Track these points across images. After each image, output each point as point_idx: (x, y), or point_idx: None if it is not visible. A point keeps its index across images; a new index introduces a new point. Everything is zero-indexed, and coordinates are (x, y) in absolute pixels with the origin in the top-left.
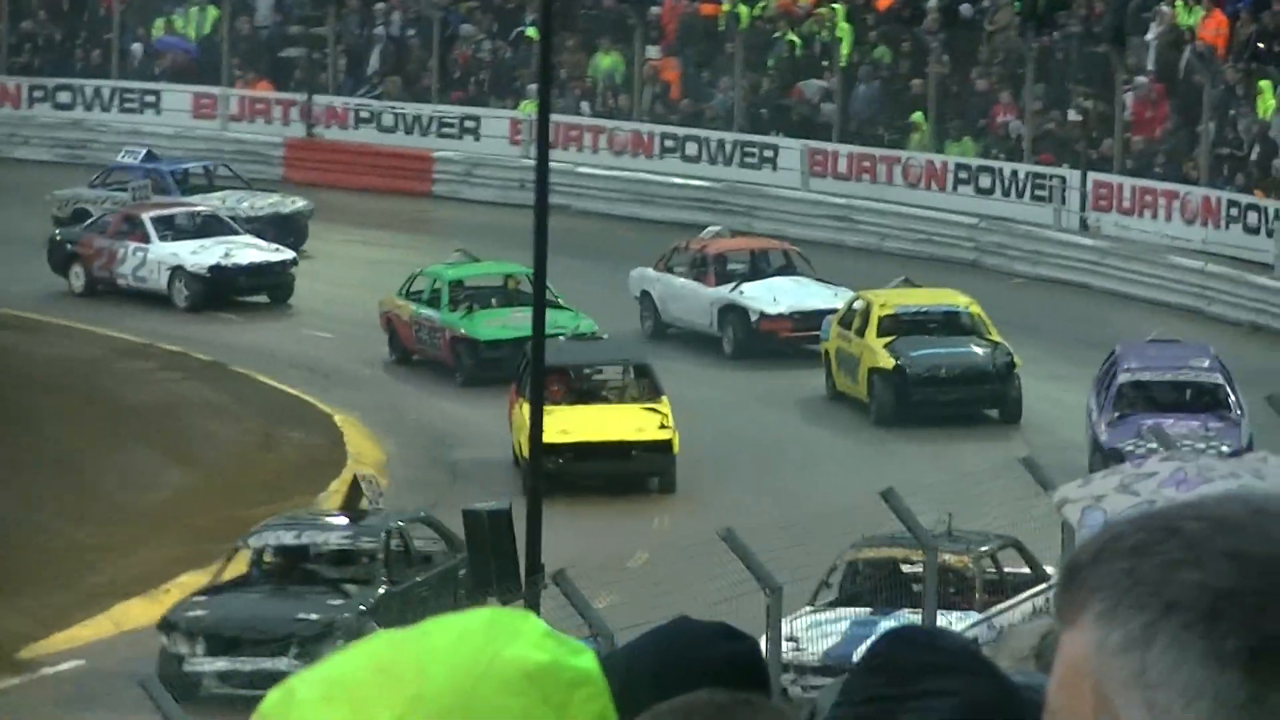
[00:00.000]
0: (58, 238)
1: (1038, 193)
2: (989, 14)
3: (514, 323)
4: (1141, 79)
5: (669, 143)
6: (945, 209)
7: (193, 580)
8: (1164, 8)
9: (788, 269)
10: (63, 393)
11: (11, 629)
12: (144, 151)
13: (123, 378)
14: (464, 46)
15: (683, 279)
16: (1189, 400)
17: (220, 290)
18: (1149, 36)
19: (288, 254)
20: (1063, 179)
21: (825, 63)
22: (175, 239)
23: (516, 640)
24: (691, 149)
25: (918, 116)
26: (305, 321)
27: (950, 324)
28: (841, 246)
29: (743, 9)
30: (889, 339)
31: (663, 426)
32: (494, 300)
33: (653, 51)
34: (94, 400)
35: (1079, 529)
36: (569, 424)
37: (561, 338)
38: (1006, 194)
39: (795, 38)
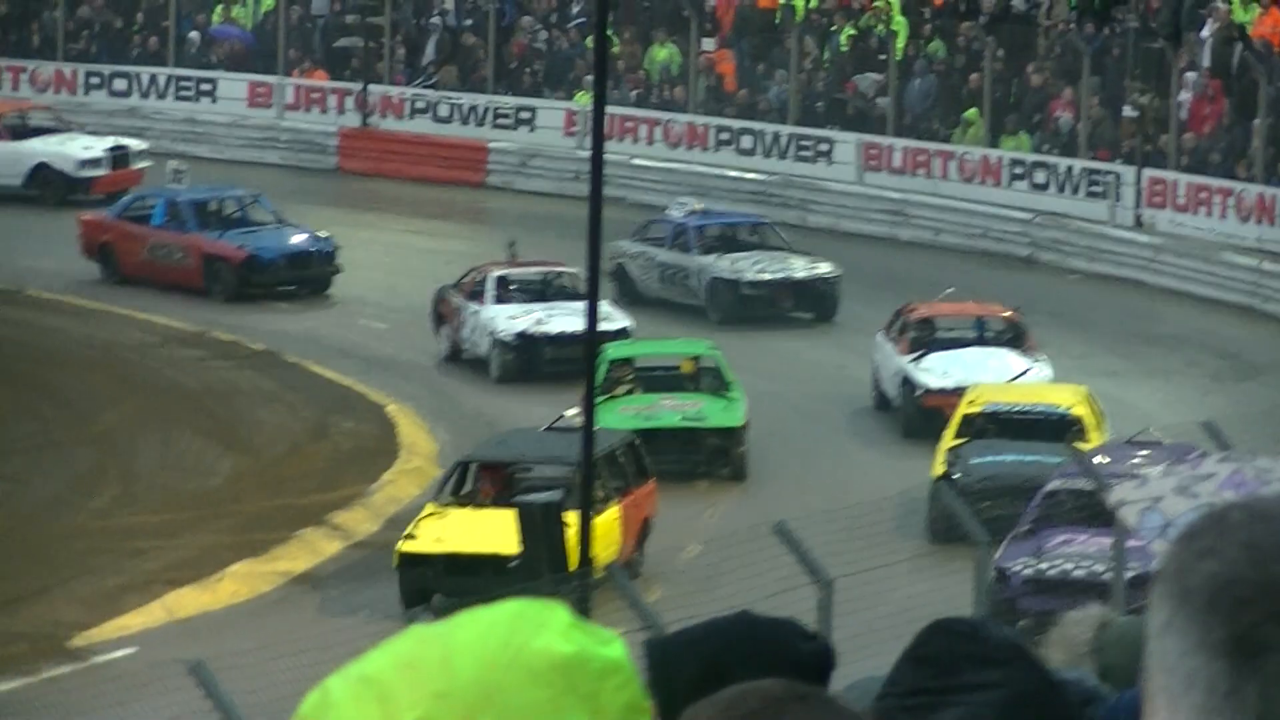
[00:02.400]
0: (440, 294)
1: (1093, 189)
2: (1045, 9)
3: (654, 413)
4: (1196, 75)
5: (724, 135)
6: (1000, 204)
7: (245, 569)
8: (1219, 4)
9: (1013, 340)
10: (114, 379)
11: (63, 616)
12: (689, 205)
13: (175, 364)
14: (520, 36)
15: (890, 344)
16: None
17: (531, 361)
18: (1204, 33)
19: (621, 323)
20: (1117, 175)
21: (881, 56)
22: (521, 301)
23: (543, 632)
24: (746, 142)
25: (972, 113)
26: (359, 311)
27: (1045, 428)
28: (895, 241)
29: (798, 1)
30: (962, 440)
31: None
32: (677, 384)
33: (708, 44)
34: (146, 386)
35: (1137, 531)
36: (450, 530)
37: (543, 429)
38: (1061, 190)
39: (851, 31)
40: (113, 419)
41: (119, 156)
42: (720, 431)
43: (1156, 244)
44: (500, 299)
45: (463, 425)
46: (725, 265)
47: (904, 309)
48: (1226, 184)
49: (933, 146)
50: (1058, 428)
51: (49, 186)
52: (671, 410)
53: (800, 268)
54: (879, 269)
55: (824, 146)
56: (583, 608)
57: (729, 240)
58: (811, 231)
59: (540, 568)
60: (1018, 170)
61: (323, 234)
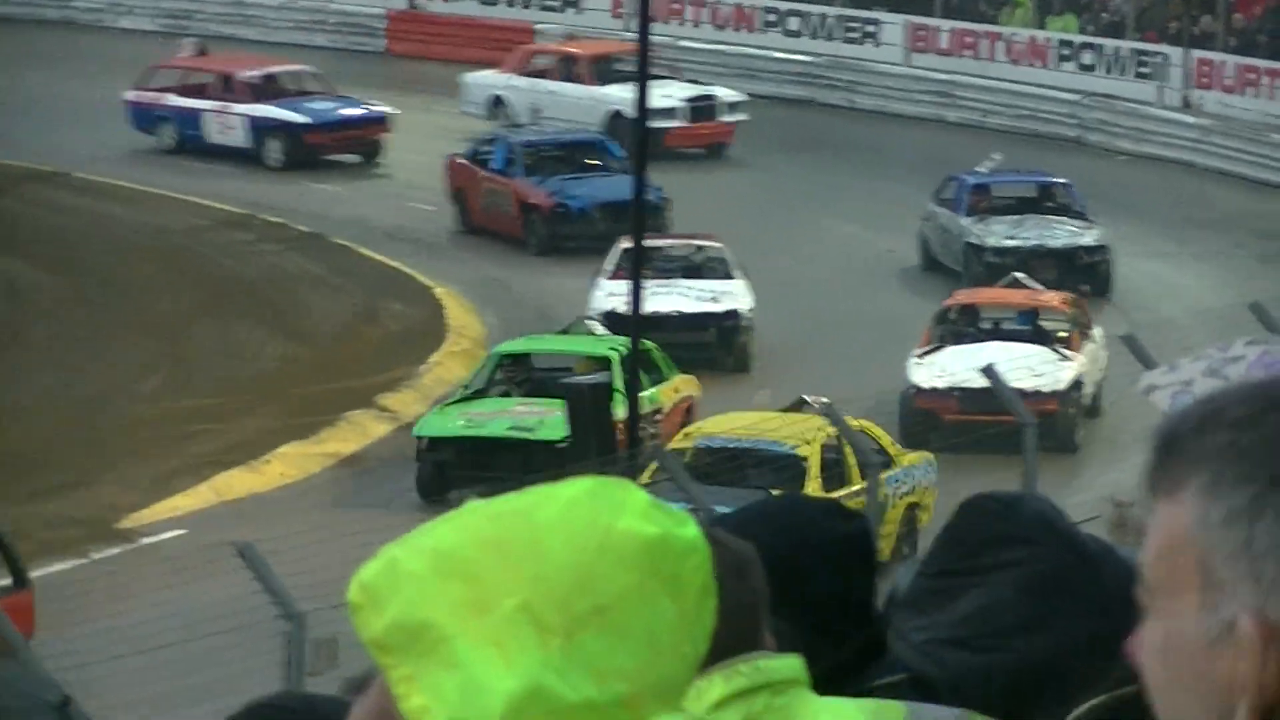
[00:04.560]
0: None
1: (1140, 70)
2: None
3: (487, 420)
4: None
5: (770, 17)
6: (1047, 85)
7: (294, 451)
8: None
9: (1063, 334)
10: (164, 263)
11: (113, 499)
12: (996, 160)
13: (223, 249)
14: None
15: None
16: None
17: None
18: None
19: (734, 303)
20: (1165, 56)
21: None
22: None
23: (625, 512)
24: (793, 23)
25: None
26: (406, 194)
27: (764, 469)
28: (943, 123)
29: None
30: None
31: None
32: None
33: None
34: (195, 271)
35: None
36: None
37: None
38: (1109, 71)
39: None
40: (165, 305)
41: (702, 107)
42: (551, 446)
43: (1204, 125)
44: (620, 274)
45: (510, 309)
46: (978, 229)
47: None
48: (1275, 65)
49: (980, 28)
50: (779, 468)
51: (623, 137)
52: (507, 418)
53: (1061, 235)
54: (925, 151)
55: (871, 28)
56: None
57: (1022, 201)
58: (859, 114)
59: (588, 449)
60: (1065, 52)
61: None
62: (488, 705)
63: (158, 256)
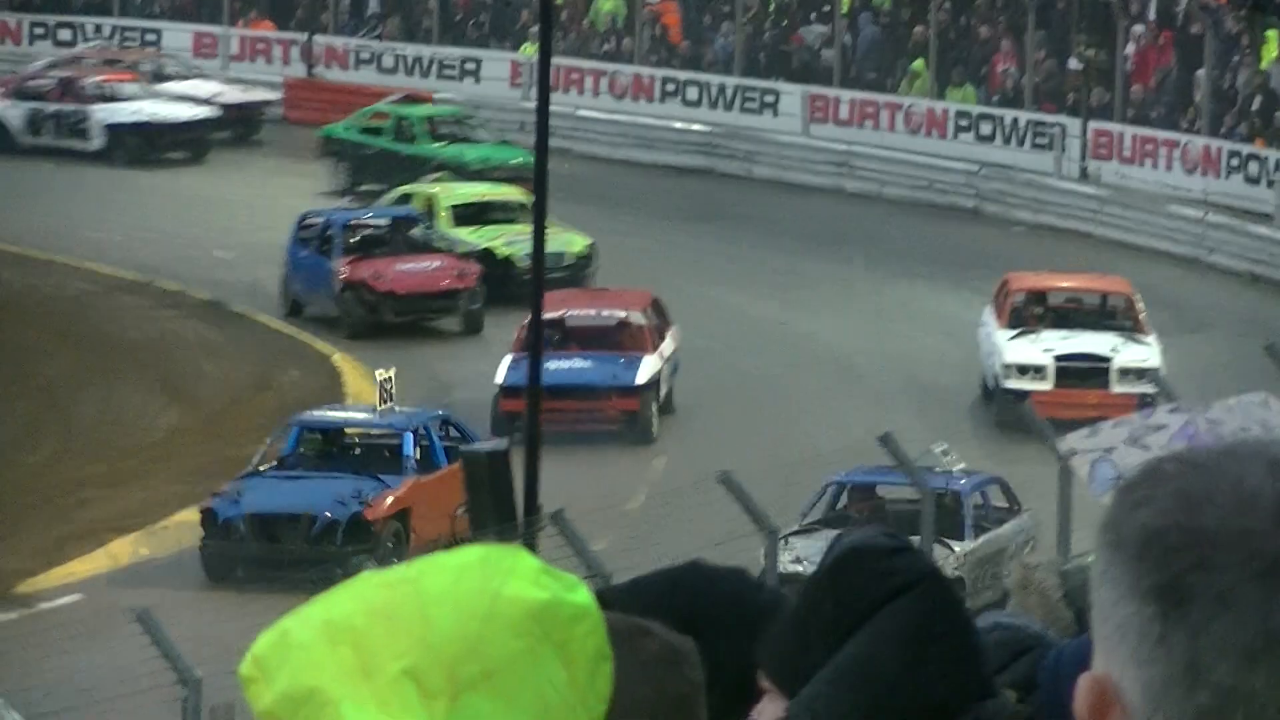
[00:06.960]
0: None
1: (1038, 140)
2: None
3: None
4: (1141, 27)
5: (670, 87)
6: (946, 156)
7: (188, 517)
8: None
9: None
10: (56, 328)
11: (7, 564)
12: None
13: (118, 314)
14: None
15: None
16: None
17: None
18: None
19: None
20: (1063, 127)
21: (826, 8)
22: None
23: (513, 578)
24: (692, 93)
25: (918, 64)
26: None
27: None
28: (840, 193)
29: None
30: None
31: None
32: None
33: None
34: (88, 336)
35: (1089, 482)
36: None
37: None
38: (1007, 141)
39: None
40: (53, 369)
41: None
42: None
43: (1102, 196)
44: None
45: (410, 377)
46: None
47: None
48: (1172, 136)
49: (880, 98)
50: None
51: None
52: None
53: None
54: (824, 222)
55: (769, 98)
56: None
57: None
58: (757, 184)
59: (486, 516)
60: (963, 122)
61: None
62: None
63: (47, 321)
